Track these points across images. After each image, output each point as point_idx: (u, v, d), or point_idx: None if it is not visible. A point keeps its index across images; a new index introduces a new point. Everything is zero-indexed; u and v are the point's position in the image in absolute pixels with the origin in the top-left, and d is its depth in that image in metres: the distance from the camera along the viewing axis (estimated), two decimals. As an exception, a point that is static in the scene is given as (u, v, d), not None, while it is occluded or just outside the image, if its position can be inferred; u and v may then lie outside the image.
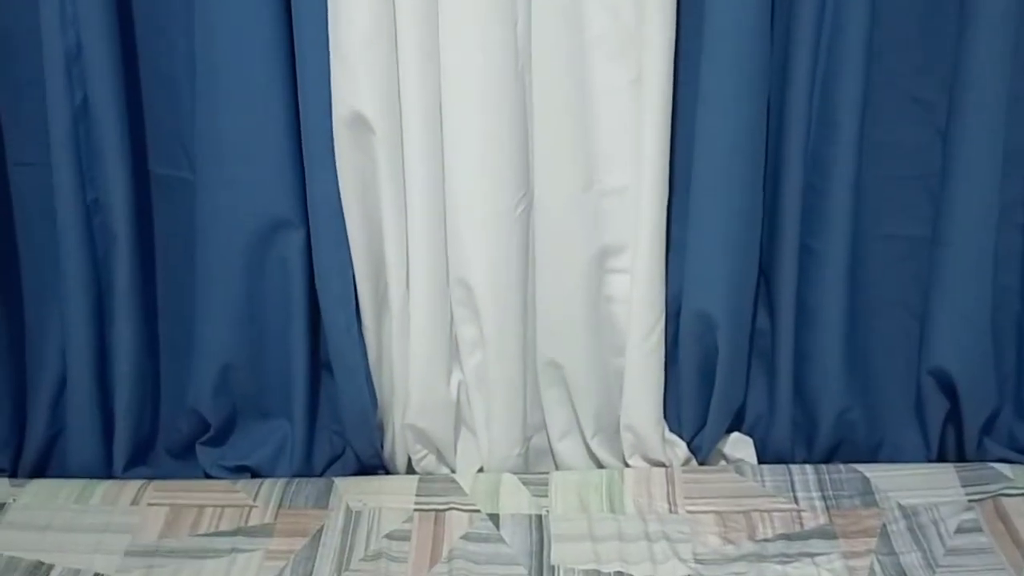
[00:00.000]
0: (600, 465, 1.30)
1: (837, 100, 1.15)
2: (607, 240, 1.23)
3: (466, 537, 1.17)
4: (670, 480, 1.24)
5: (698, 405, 1.27)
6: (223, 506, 1.22)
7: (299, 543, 1.17)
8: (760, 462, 1.29)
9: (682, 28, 1.13)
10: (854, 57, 1.13)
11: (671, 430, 1.29)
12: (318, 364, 1.30)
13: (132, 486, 1.26)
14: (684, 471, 1.27)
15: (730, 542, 1.15)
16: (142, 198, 1.23)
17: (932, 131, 1.19)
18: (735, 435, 1.31)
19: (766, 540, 1.15)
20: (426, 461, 1.31)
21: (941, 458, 1.28)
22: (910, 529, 1.15)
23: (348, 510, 1.22)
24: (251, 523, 1.20)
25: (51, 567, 1.14)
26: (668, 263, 1.23)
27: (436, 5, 1.12)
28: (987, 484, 1.20)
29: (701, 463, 1.30)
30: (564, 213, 1.20)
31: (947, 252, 1.20)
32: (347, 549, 1.16)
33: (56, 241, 1.20)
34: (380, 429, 1.29)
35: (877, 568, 1.10)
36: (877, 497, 1.20)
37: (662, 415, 1.28)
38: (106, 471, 1.29)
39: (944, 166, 1.18)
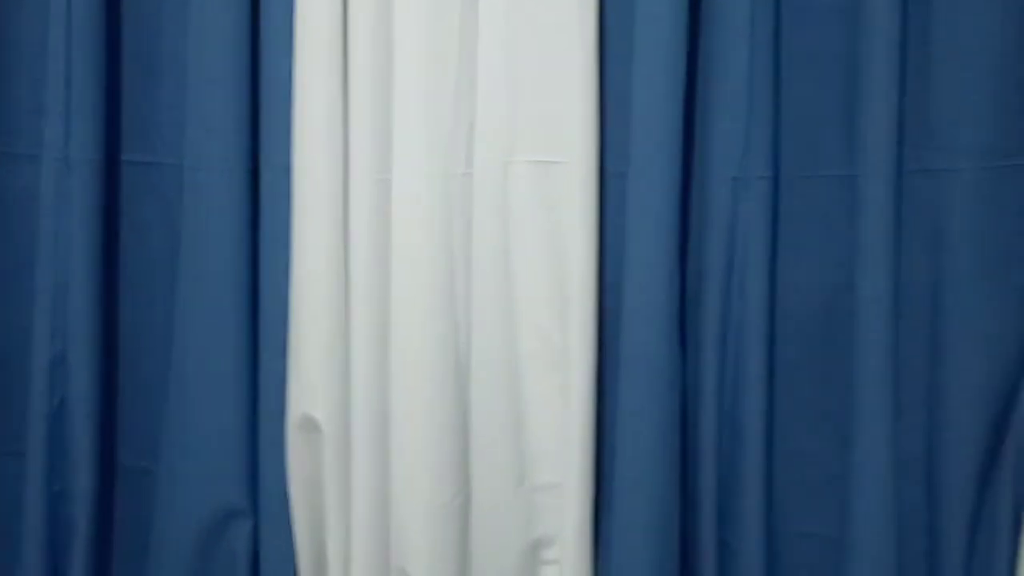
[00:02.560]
0: None
1: (744, 410, 1.27)
2: (539, 533, 1.31)
3: None
4: None
5: None
6: None
7: None
8: None
9: (604, 348, 1.27)
10: (756, 372, 1.26)
11: None
12: (259, 652, 1.34)
13: None
14: None
15: None
16: (106, 490, 1.32)
17: (835, 438, 1.30)
18: None
19: None
20: None
21: None
22: None
23: None
24: None
25: None
26: (598, 557, 1.31)
27: (388, 319, 1.27)
28: None
29: None
30: (499, 507, 1.29)
31: (852, 552, 1.27)
32: None
33: (20, 529, 1.28)
34: None
35: None
36: None
37: None
38: None
39: (844, 471, 1.29)
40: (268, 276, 1.26)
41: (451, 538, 1.29)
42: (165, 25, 1.31)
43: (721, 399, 1.29)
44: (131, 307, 1.32)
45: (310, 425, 1.26)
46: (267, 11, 1.26)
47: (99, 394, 1.29)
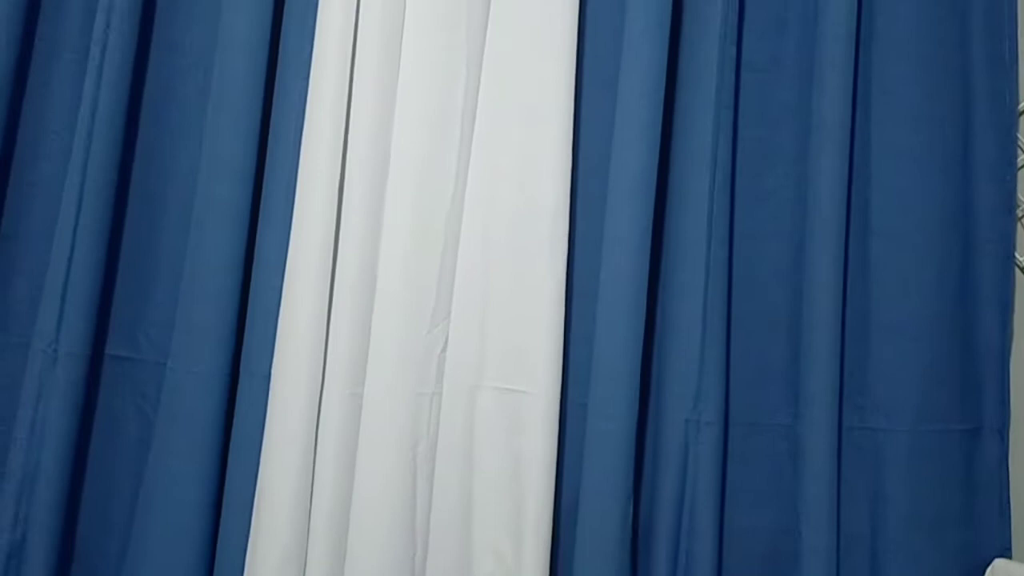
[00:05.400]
0: None
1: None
2: None
3: None
4: None
5: None
6: None
7: None
8: None
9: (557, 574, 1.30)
10: (709, 533, 1.28)
11: None
12: None
13: None
14: None
15: None
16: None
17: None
18: None
19: None
20: None
21: None
22: None
23: None
24: None
25: None
26: None
27: (347, 535, 1.28)
28: None
29: None
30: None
31: None
32: None
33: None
34: None
35: None
36: None
37: None
38: None
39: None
40: (234, 483, 1.29)
41: None
42: (164, 234, 1.40)
43: (676, 553, 1.30)
44: (95, 500, 1.34)
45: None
46: (263, 233, 1.36)
47: (59, 538, 1.29)
